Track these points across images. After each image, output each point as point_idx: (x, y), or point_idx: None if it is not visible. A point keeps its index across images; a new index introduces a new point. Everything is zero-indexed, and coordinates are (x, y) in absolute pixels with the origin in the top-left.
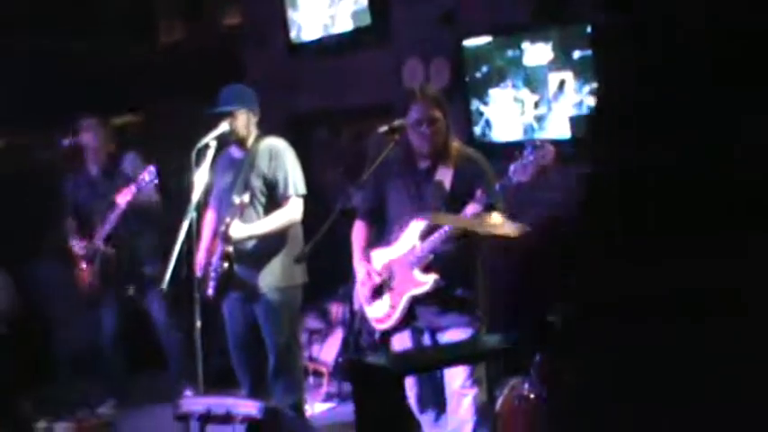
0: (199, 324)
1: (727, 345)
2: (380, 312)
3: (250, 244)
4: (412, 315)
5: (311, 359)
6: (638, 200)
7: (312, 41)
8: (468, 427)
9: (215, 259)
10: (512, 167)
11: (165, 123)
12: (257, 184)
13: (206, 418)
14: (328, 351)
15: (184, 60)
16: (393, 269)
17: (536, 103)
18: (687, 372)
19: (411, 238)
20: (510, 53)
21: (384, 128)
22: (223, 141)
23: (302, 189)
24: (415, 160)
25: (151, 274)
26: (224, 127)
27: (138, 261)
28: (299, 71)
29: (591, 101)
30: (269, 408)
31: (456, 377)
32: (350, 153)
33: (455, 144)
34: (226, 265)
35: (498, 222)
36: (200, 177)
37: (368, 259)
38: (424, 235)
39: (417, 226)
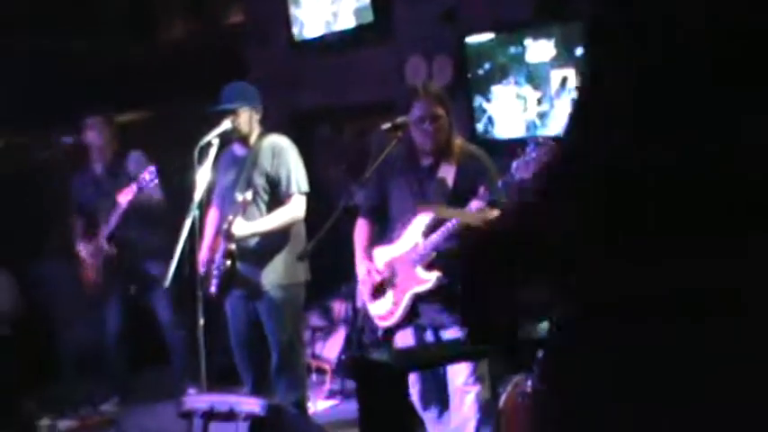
0: (202, 322)
1: (727, 345)
2: (383, 310)
3: (253, 241)
4: (415, 312)
5: (314, 356)
6: (638, 200)
7: (315, 39)
8: (472, 424)
9: (218, 257)
10: (514, 164)
11: (168, 122)
12: (260, 181)
13: (209, 415)
14: (331, 348)
15: (187, 58)
16: (396, 267)
17: (538, 99)
18: (687, 372)
19: (414, 235)
20: (512, 50)
21: (387, 125)
22: (226, 139)
23: (305, 187)
24: (417, 157)
25: (155, 273)
26: (226, 125)
27: (141, 260)
28: (301, 68)
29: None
30: (272, 405)
31: (459, 374)
32: (352, 150)
33: (458, 141)
34: (228, 262)
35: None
36: (203, 175)
37: (370, 257)
38: (427, 232)
39: (420, 223)
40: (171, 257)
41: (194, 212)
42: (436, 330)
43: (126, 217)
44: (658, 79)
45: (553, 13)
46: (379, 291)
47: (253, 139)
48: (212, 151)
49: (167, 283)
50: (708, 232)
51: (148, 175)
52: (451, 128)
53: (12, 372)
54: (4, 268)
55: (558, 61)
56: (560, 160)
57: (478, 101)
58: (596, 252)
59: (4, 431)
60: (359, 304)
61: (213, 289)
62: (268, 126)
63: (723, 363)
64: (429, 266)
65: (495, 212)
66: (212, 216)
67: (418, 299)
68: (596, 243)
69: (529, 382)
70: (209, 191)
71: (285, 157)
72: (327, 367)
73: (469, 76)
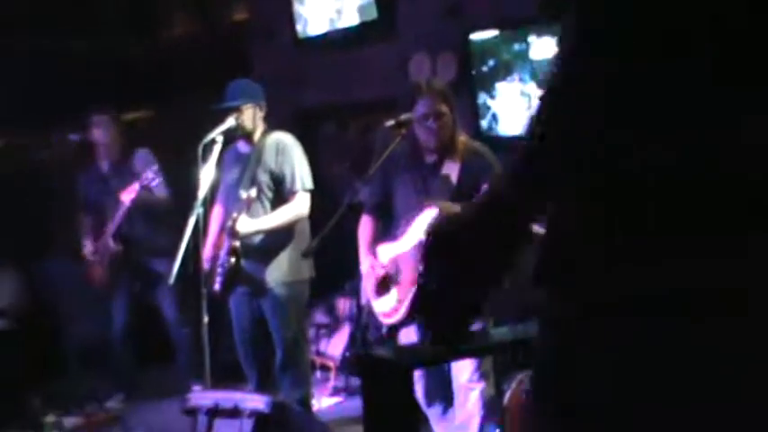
0: (206, 319)
1: (728, 345)
2: (387, 307)
3: (257, 239)
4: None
5: (318, 354)
6: (638, 199)
7: (318, 36)
8: (476, 421)
9: (222, 254)
10: None
11: (172, 119)
12: (264, 178)
13: (214, 412)
14: (335, 346)
15: (191, 56)
16: (400, 263)
17: None
18: (687, 372)
19: (418, 232)
20: (517, 47)
21: (391, 122)
22: (230, 136)
23: (309, 184)
24: (421, 154)
25: (160, 270)
26: (230, 122)
27: (146, 257)
28: (305, 66)
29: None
30: (276, 402)
31: (463, 371)
32: (357, 147)
33: (462, 138)
34: (233, 259)
35: None
36: (207, 173)
37: (374, 254)
38: None
39: (424, 220)
40: (176, 255)
41: (198, 210)
42: None
43: (130, 215)
44: (658, 79)
45: (557, 10)
46: (383, 288)
47: (257, 136)
48: (216, 148)
49: (172, 280)
50: (708, 232)
51: (151, 173)
52: (455, 125)
53: (17, 368)
54: (9, 265)
55: None
56: (533, 158)
57: (482, 98)
58: (596, 252)
59: (9, 427)
60: (363, 301)
61: (217, 286)
62: (272, 123)
63: (723, 363)
64: None
65: None
66: (216, 213)
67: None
68: (596, 243)
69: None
70: (214, 188)
71: (289, 155)
72: (332, 364)
73: (474, 72)
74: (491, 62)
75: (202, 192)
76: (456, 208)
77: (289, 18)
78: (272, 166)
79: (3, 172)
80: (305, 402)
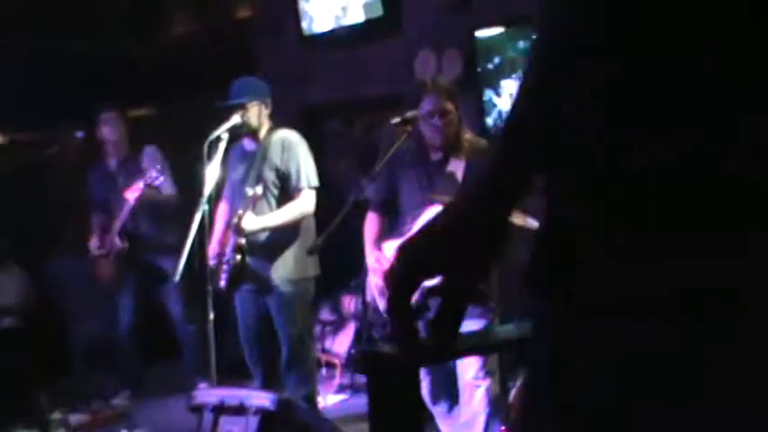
0: (212, 316)
1: (728, 345)
2: None
3: (263, 236)
4: (425, 306)
5: (324, 351)
6: (638, 199)
7: (324, 33)
8: (481, 418)
9: (228, 251)
10: None
11: (178, 117)
12: (270, 176)
13: (219, 409)
14: (341, 343)
15: (196, 53)
16: None
17: None
18: (687, 372)
19: None
20: (522, 44)
21: (396, 119)
22: (235, 134)
23: (315, 181)
24: (427, 152)
25: (167, 268)
26: (236, 119)
27: (152, 255)
28: (311, 63)
29: None
30: (282, 399)
31: (469, 368)
32: (362, 145)
33: (467, 136)
34: (238, 257)
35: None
36: (212, 170)
37: (380, 251)
38: None
39: (429, 217)
40: (182, 252)
41: (204, 207)
42: None
43: (136, 213)
44: (658, 79)
45: None
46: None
47: (262, 133)
48: (222, 146)
49: (177, 277)
50: (708, 232)
51: (155, 172)
52: (461, 122)
53: (24, 365)
54: (15, 263)
55: None
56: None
57: (488, 95)
58: (595, 252)
59: (16, 424)
60: (368, 299)
61: (223, 283)
62: (278, 120)
63: (723, 363)
64: None
65: None
66: (222, 210)
67: (428, 293)
68: (595, 243)
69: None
70: (219, 185)
71: (295, 152)
72: (337, 362)
73: (479, 70)
74: (497, 59)
75: (208, 189)
76: None
77: (294, 15)
78: (278, 164)
79: (8, 170)
80: (310, 400)
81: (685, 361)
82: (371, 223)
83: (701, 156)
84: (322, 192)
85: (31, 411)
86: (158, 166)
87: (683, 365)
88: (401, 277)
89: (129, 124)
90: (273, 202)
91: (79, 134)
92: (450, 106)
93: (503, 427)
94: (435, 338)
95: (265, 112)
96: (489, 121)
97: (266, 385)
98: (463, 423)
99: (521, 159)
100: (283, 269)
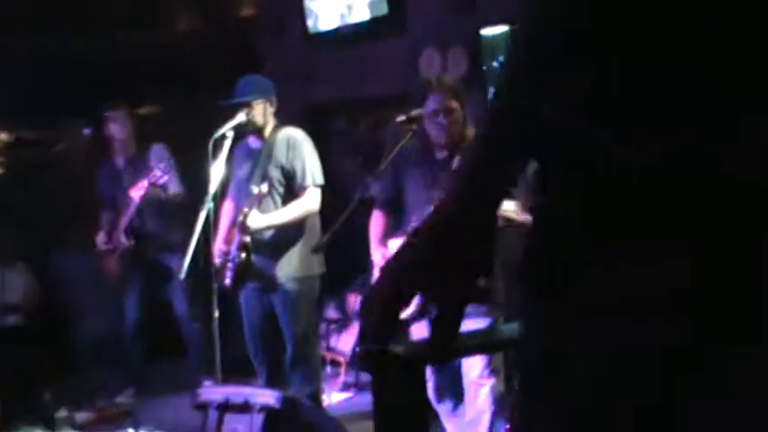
0: (217, 314)
1: (727, 345)
2: None
3: (268, 234)
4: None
5: (329, 349)
6: (623, 201)
7: (329, 31)
8: (486, 416)
9: (233, 249)
10: None
11: (183, 115)
12: (275, 174)
13: (224, 407)
14: (346, 341)
15: (201, 51)
16: None
17: None
18: (687, 372)
19: None
20: None
21: (401, 118)
22: (240, 132)
23: (320, 179)
24: (432, 150)
25: (172, 265)
26: (241, 117)
27: (158, 252)
28: (316, 61)
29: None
30: (287, 397)
31: (474, 367)
32: (367, 143)
33: (472, 134)
34: (243, 255)
35: (512, 209)
36: (218, 168)
37: (385, 248)
38: None
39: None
40: (187, 250)
41: (209, 205)
42: None
43: (142, 211)
44: (642, 81)
45: None
46: None
47: (268, 131)
48: (227, 144)
49: (183, 275)
50: (708, 233)
51: (159, 171)
52: (466, 121)
53: (29, 363)
54: (20, 260)
55: None
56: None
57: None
58: (588, 252)
59: (21, 422)
60: None
61: (228, 281)
62: (283, 119)
63: (723, 363)
64: None
65: (511, 204)
66: (227, 208)
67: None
68: (587, 243)
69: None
70: (224, 184)
71: (300, 150)
72: (342, 360)
73: (484, 68)
74: (502, 58)
75: (213, 187)
76: None
77: (299, 13)
78: (283, 162)
79: (14, 167)
80: (315, 397)
81: (685, 361)
82: (377, 221)
83: (701, 156)
84: (327, 190)
85: (36, 409)
86: (162, 165)
87: (683, 365)
88: (389, 300)
89: (136, 122)
90: (279, 200)
91: (86, 132)
92: (455, 105)
93: (507, 426)
94: (436, 338)
95: (270, 110)
96: None
97: (271, 383)
98: (468, 421)
99: (501, 163)
100: (288, 267)
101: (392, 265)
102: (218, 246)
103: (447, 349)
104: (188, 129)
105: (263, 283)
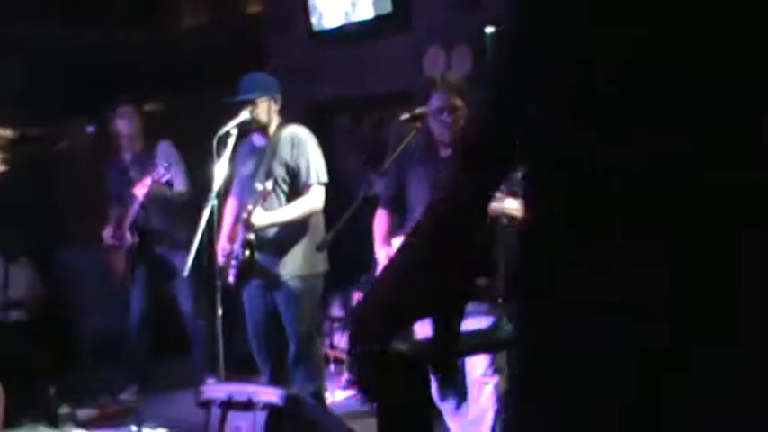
0: (220, 311)
1: (728, 345)
2: None
3: (271, 232)
4: None
5: (332, 347)
6: (622, 200)
7: (333, 29)
8: (489, 415)
9: (236, 247)
10: None
11: (187, 112)
12: (279, 171)
13: (227, 404)
14: None
15: (206, 49)
16: None
17: None
18: (670, 372)
19: None
20: None
21: (405, 116)
22: (244, 129)
23: (324, 177)
24: (436, 148)
25: (177, 263)
26: (245, 115)
27: (163, 249)
28: (320, 59)
29: None
30: (290, 395)
31: (477, 365)
32: (371, 141)
33: None
34: (247, 252)
35: (515, 208)
36: (222, 166)
37: (389, 246)
38: None
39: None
40: (191, 247)
41: (213, 202)
42: None
43: (147, 208)
44: (625, 82)
45: None
46: None
47: (272, 129)
48: (231, 141)
49: (186, 272)
50: (688, 234)
51: (162, 169)
52: None
53: (32, 359)
54: (24, 256)
55: None
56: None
57: None
58: (576, 253)
59: (24, 417)
60: None
61: (231, 279)
62: (287, 116)
63: (723, 363)
64: None
65: (514, 203)
66: (231, 206)
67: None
68: (575, 244)
69: None
70: (228, 181)
71: (304, 148)
72: (345, 358)
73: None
74: None
75: (217, 185)
76: None
77: (303, 10)
78: (287, 160)
79: (18, 164)
80: (318, 395)
81: (685, 361)
82: (381, 219)
83: (666, 159)
84: (331, 188)
85: (39, 405)
86: (166, 163)
87: (683, 365)
88: (389, 300)
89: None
90: (283, 197)
91: (90, 129)
92: (459, 103)
93: None
94: (436, 338)
95: (275, 107)
96: None
97: (274, 381)
98: (471, 420)
99: (487, 162)
100: (292, 265)
101: (392, 264)
102: (221, 243)
103: (449, 348)
104: (192, 126)
105: (267, 281)
